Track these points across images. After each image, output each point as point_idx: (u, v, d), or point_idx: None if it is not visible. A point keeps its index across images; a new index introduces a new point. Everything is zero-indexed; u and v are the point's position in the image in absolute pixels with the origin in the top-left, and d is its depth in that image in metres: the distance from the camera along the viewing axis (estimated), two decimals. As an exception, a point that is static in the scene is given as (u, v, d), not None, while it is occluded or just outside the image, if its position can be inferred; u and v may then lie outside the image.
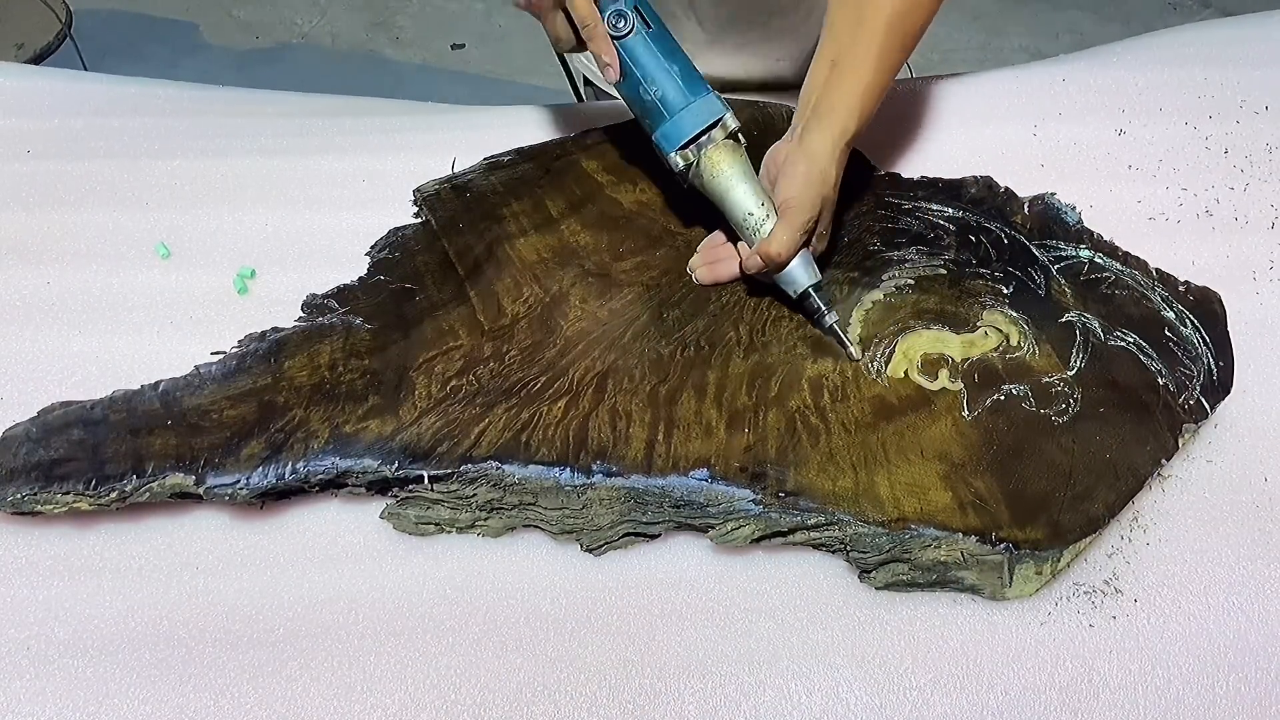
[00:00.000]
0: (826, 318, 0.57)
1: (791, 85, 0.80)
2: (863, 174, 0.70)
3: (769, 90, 0.81)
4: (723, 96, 0.60)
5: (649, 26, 0.59)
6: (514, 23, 2.23)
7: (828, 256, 0.62)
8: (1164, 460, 0.54)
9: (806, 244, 0.57)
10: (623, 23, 0.58)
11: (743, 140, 0.60)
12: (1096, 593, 0.51)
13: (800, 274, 0.57)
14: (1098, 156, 0.74)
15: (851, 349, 0.57)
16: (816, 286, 0.57)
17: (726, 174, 0.58)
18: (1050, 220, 0.66)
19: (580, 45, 0.60)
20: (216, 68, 2.10)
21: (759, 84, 0.83)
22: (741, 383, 0.55)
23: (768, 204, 0.58)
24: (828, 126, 0.58)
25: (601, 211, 0.66)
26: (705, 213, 0.66)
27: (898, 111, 0.69)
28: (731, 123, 0.59)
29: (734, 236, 0.61)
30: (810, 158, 0.57)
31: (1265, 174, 0.73)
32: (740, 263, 0.59)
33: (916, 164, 0.73)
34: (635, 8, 0.59)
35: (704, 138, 0.58)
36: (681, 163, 0.59)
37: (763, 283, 0.60)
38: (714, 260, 0.61)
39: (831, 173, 0.57)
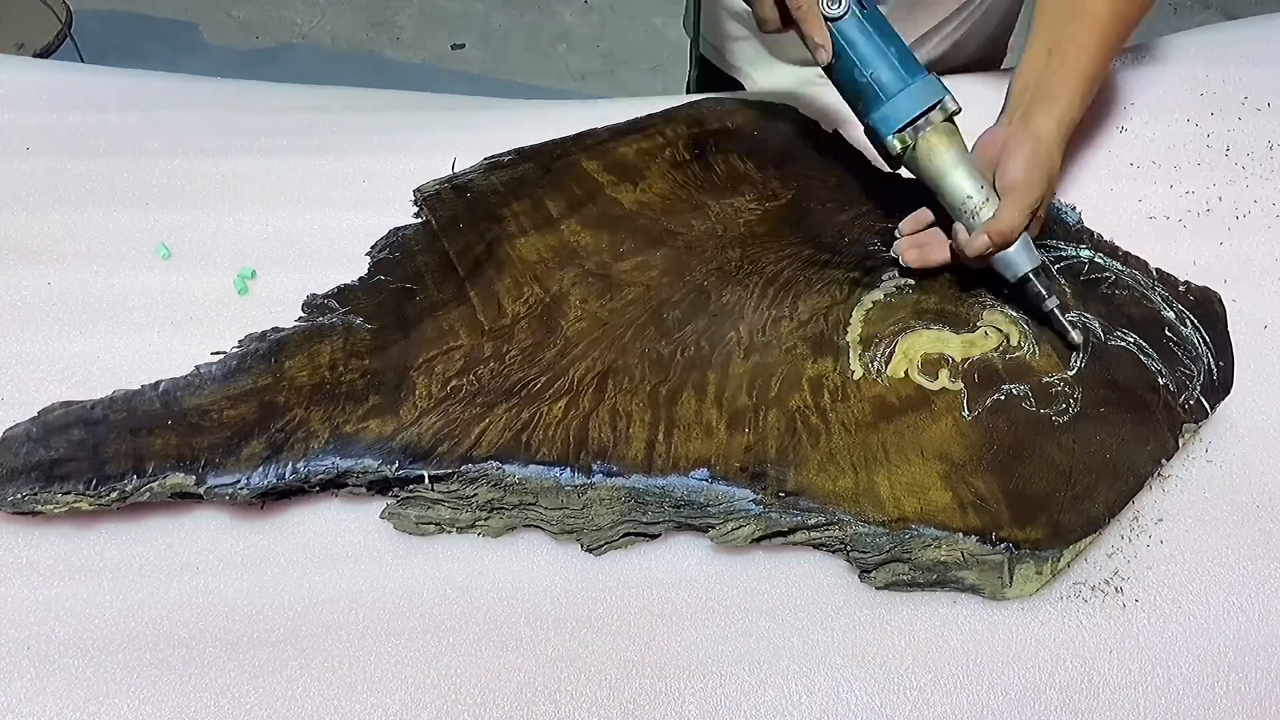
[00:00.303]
0: (1047, 301, 0.56)
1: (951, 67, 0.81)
2: (863, 174, 0.70)
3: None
4: (940, 78, 0.59)
5: (863, 7, 0.59)
6: (514, 23, 2.23)
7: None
8: (1164, 460, 0.54)
9: (1028, 225, 0.57)
10: (836, 5, 0.58)
11: (957, 123, 0.59)
12: (1096, 593, 0.51)
13: (1022, 257, 0.56)
14: (1098, 155, 0.74)
15: (1073, 334, 0.56)
16: (1037, 271, 0.57)
17: (944, 157, 0.57)
18: (1050, 220, 0.66)
19: (785, 26, 0.60)
20: (216, 68, 2.09)
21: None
22: (742, 383, 0.55)
23: (986, 187, 0.57)
24: (1052, 110, 0.58)
25: (602, 211, 0.66)
26: (707, 214, 0.66)
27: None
28: (951, 105, 0.58)
29: (943, 219, 0.60)
30: (1036, 139, 0.57)
31: (1266, 172, 0.73)
32: (957, 244, 0.58)
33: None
34: None
35: (921, 120, 0.58)
36: (899, 145, 0.58)
37: (970, 268, 0.59)
38: (922, 244, 0.61)
39: (1057, 155, 0.58)
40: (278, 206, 0.69)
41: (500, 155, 0.70)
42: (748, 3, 0.61)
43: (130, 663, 0.47)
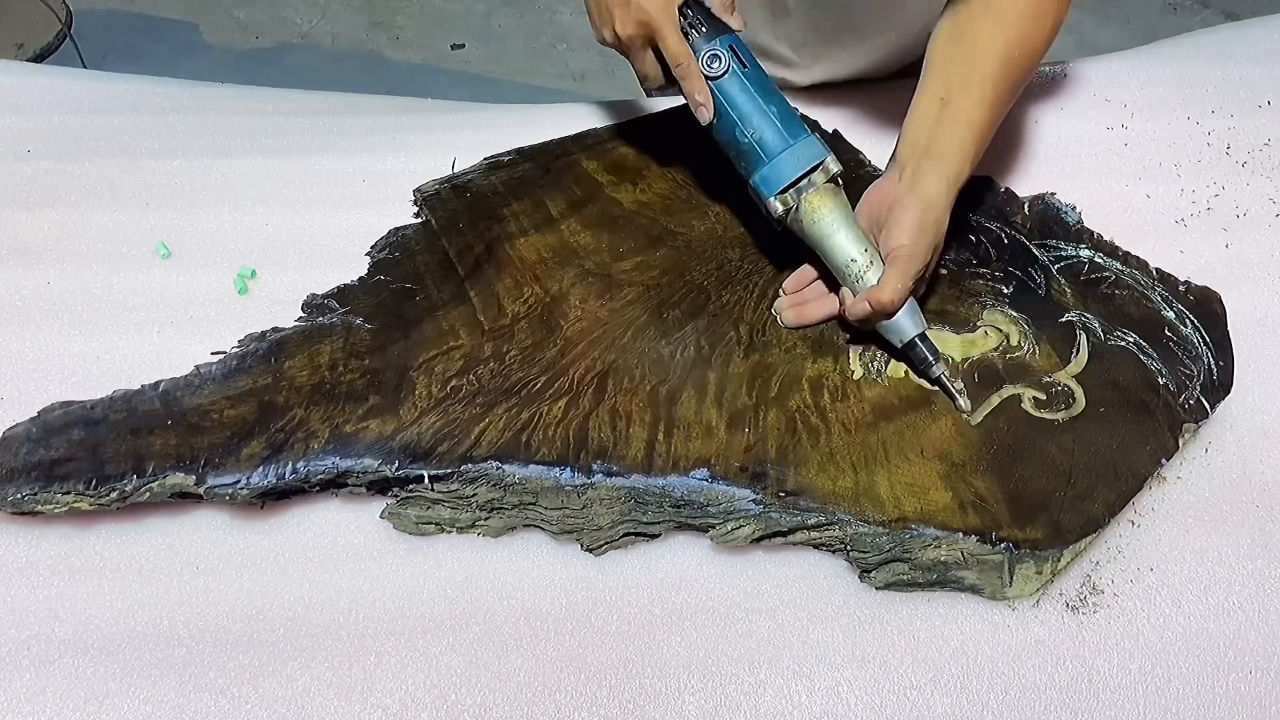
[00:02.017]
0: (934, 368, 0.55)
1: (870, 78, 0.79)
2: (863, 174, 0.70)
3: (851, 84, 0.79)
4: (821, 139, 0.58)
5: (745, 66, 0.58)
6: (514, 23, 2.23)
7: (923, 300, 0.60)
8: (1164, 460, 0.54)
9: (914, 291, 0.55)
10: (718, 63, 0.57)
11: (841, 183, 0.58)
12: (1097, 593, 0.51)
13: (907, 323, 0.54)
14: (1098, 155, 0.74)
15: (960, 400, 0.54)
16: (923, 336, 0.55)
17: (828, 219, 0.56)
18: (1050, 220, 0.66)
19: (669, 84, 0.59)
20: (216, 68, 2.09)
21: (841, 82, 0.81)
22: (742, 383, 0.55)
23: (870, 250, 0.56)
24: (942, 171, 0.55)
25: (601, 211, 0.66)
26: (707, 213, 0.66)
27: (898, 111, 0.69)
28: (833, 166, 0.57)
29: (826, 277, 0.59)
30: (925, 203, 0.55)
31: (1267, 171, 0.73)
32: (841, 308, 0.57)
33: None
34: (730, 47, 0.58)
35: (804, 181, 0.56)
36: (780, 208, 0.57)
37: (858, 328, 0.57)
38: (801, 302, 0.59)
39: (944, 219, 0.55)
40: (278, 206, 0.69)
41: (500, 155, 0.70)
42: (629, 58, 0.60)
43: (130, 663, 0.47)
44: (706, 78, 0.58)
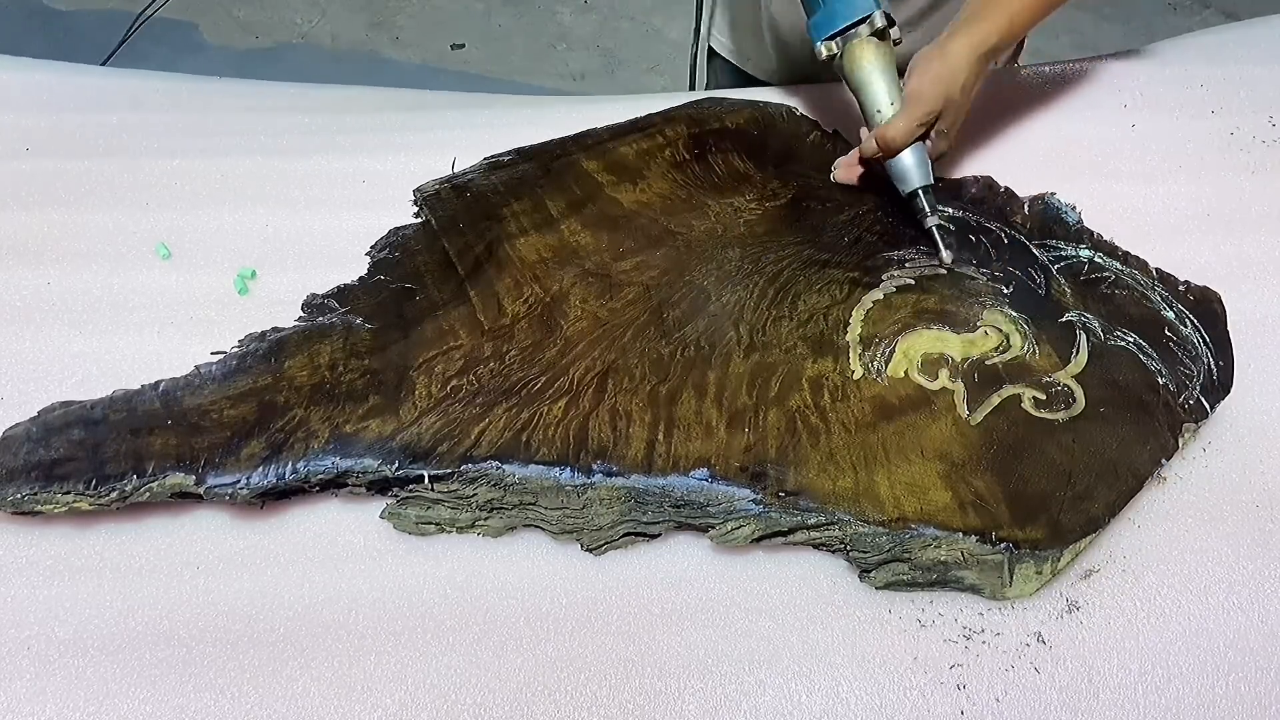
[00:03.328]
0: (928, 218, 0.59)
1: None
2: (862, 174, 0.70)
3: None
4: None
5: None
6: (514, 23, 2.23)
7: (948, 166, 0.64)
8: (1164, 460, 0.54)
9: (923, 138, 0.59)
10: None
11: (892, 38, 0.61)
12: (1096, 592, 0.51)
13: (913, 171, 0.59)
14: (1098, 155, 0.74)
15: (944, 253, 0.59)
16: (926, 188, 0.59)
17: (866, 69, 0.60)
18: (1050, 220, 0.66)
19: None
20: (216, 68, 2.09)
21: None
22: (742, 383, 0.55)
23: (899, 103, 0.60)
24: (969, 33, 0.60)
25: (601, 211, 0.66)
26: (707, 214, 0.66)
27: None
28: (879, 20, 0.60)
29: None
30: (944, 57, 0.59)
31: (1267, 171, 0.73)
32: (859, 151, 0.61)
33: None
34: None
35: (850, 30, 0.60)
36: (825, 52, 0.61)
37: (879, 181, 0.61)
38: (851, 163, 0.64)
39: (961, 75, 0.59)
40: (278, 206, 0.69)
41: (500, 155, 0.70)
42: None
43: (130, 663, 0.47)
44: None
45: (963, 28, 0.61)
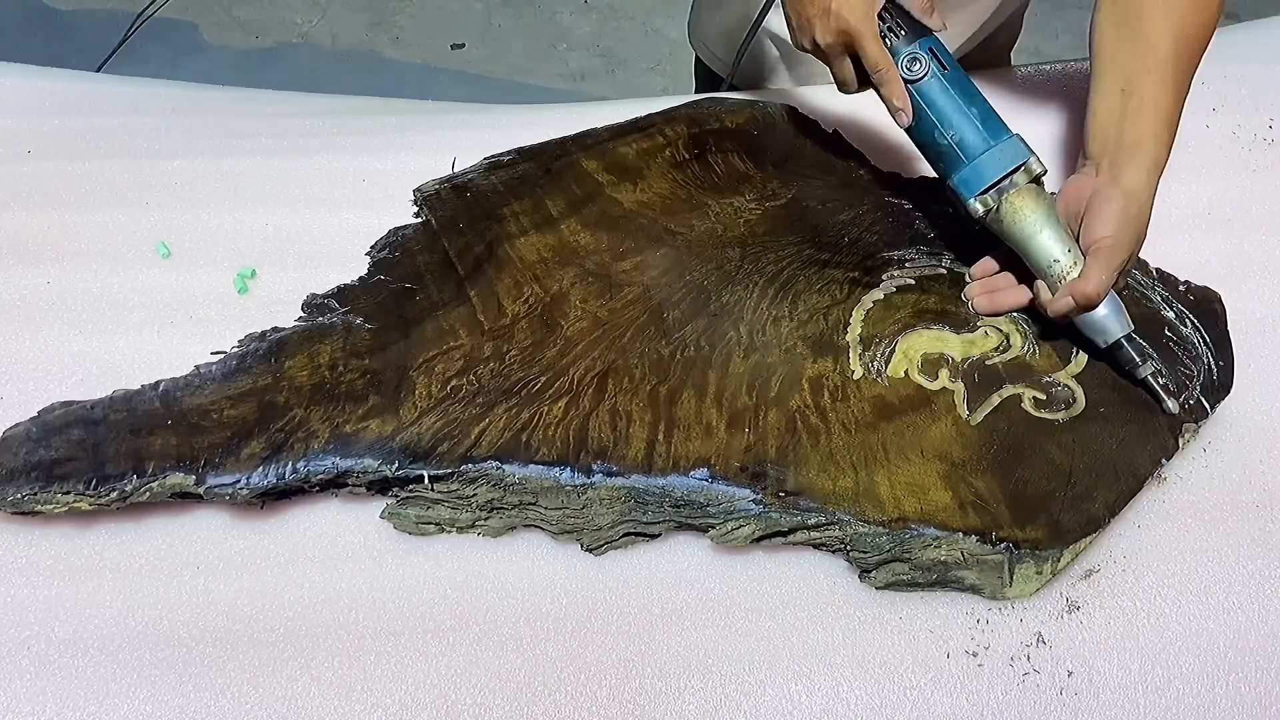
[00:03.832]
0: (1141, 368, 0.54)
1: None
2: (863, 174, 0.70)
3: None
4: (1023, 140, 0.58)
5: (944, 68, 0.58)
6: (514, 23, 2.23)
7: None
8: (1164, 460, 0.54)
9: (1117, 286, 0.55)
10: (918, 66, 0.58)
11: (1044, 184, 0.58)
12: (1096, 592, 0.51)
13: (1113, 322, 0.54)
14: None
15: (1169, 403, 0.54)
16: (1129, 336, 0.54)
17: (1030, 219, 0.56)
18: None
19: (864, 87, 0.60)
20: (216, 68, 2.09)
21: None
22: (742, 383, 0.55)
23: (1074, 249, 0.55)
24: (1141, 161, 0.56)
25: (601, 211, 0.66)
26: (707, 214, 0.66)
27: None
28: (1036, 167, 0.57)
29: (1013, 267, 0.59)
30: (1128, 195, 0.55)
31: (1267, 170, 0.73)
32: (1039, 303, 0.56)
33: (917, 164, 0.72)
34: (930, 50, 0.58)
35: (1005, 182, 0.57)
36: (981, 209, 0.57)
37: (1057, 323, 0.57)
38: (993, 289, 0.59)
39: (1148, 210, 0.56)
40: (278, 206, 0.69)
41: (500, 155, 0.70)
42: (827, 64, 0.60)
43: (130, 663, 0.47)
44: (906, 81, 0.58)
45: (1128, 156, 0.56)
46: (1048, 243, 0.56)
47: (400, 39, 2.20)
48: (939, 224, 0.65)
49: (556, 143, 0.72)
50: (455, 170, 0.70)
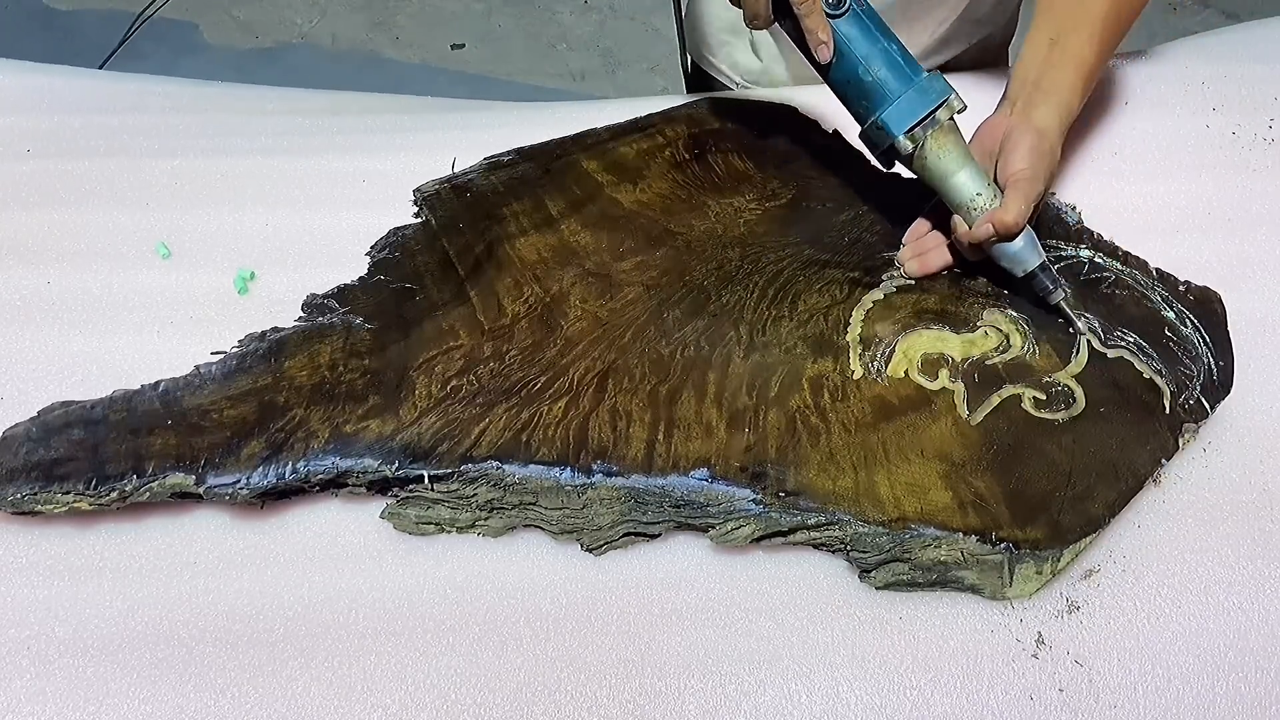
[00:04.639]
0: (1053, 294, 0.57)
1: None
2: (862, 174, 0.70)
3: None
4: (942, 75, 0.59)
5: (861, 3, 0.58)
6: (514, 23, 2.23)
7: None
8: (1164, 460, 0.54)
9: (1031, 219, 0.57)
10: (840, 2, 0.57)
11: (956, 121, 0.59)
12: (1096, 592, 0.51)
13: (1030, 252, 0.57)
14: (1098, 155, 0.74)
15: (1078, 323, 0.57)
16: (1043, 265, 0.57)
17: (951, 155, 0.57)
18: (1050, 220, 0.66)
19: (777, 19, 0.59)
20: (216, 68, 2.10)
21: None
22: (742, 382, 0.55)
23: (992, 185, 0.58)
24: (1055, 104, 0.58)
25: (601, 211, 0.66)
26: (707, 214, 0.66)
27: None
28: (957, 103, 0.58)
29: (941, 226, 0.61)
30: (1039, 132, 0.57)
31: (1267, 170, 0.73)
32: (956, 236, 0.58)
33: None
34: None
35: (929, 119, 0.57)
36: (910, 145, 0.57)
37: (974, 265, 0.60)
38: (922, 250, 0.61)
39: (1058, 148, 0.58)
40: (278, 206, 0.69)
41: (500, 155, 0.70)
42: (735, 2, 0.60)
43: (130, 663, 0.47)
44: (828, 15, 0.58)
45: (1043, 98, 0.59)
46: (968, 178, 0.57)
47: (400, 39, 2.20)
48: (939, 224, 0.65)
49: (556, 143, 0.72)
50: (455, 170, 0.70)
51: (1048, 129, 0.58)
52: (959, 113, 0.58)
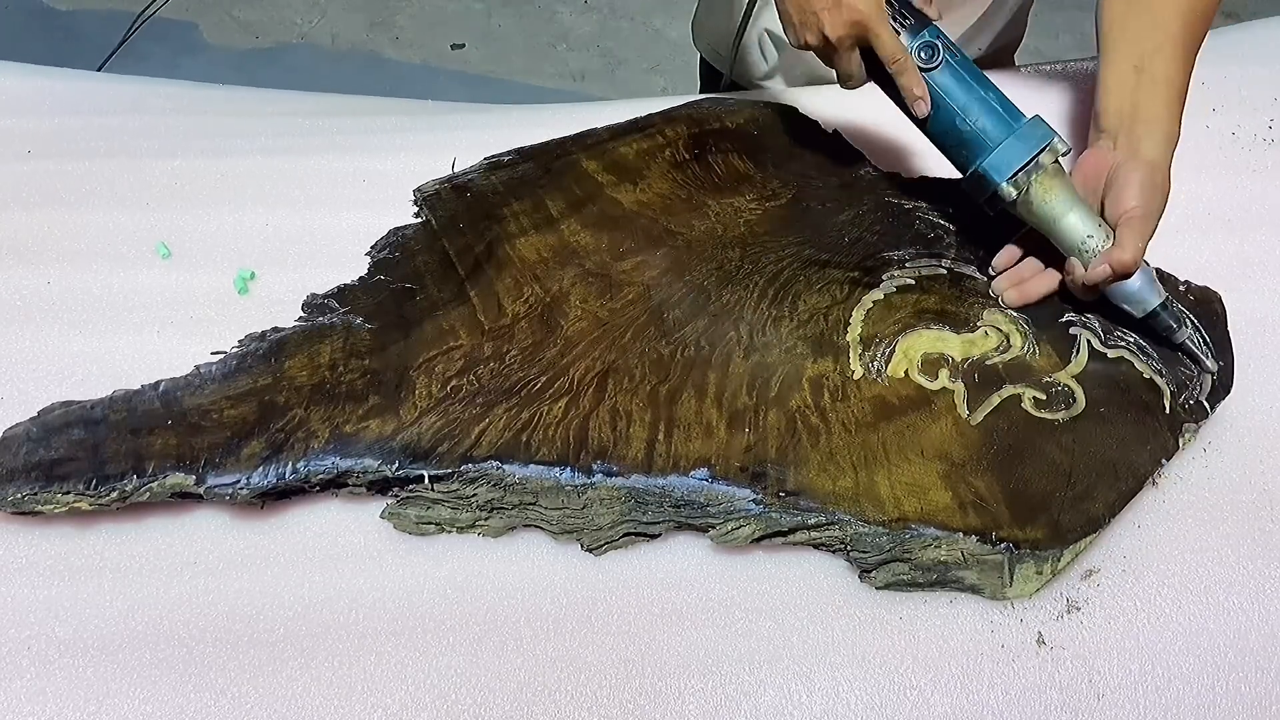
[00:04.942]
0: (1179, 334, 0.56)
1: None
2: (863, 174, 0.70)
3: None
4: (1043, 118, 0.58)
5: (954, 54, 0.58)
6: (514, 23, 2.23)
7: None
8: (1164, 460, 0.54)
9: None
10: (933, 54, 0.57)
11: (1063, 163, 0.58)
12: (1096, 592, 0.51)
13: (1149, 291, 0.55)
14: (1098, 156, 0.74)
15: (1207, 362, 0.56)
16: (1164, 303, 0.56)
17: (1059, 199, 0.56)
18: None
19: (864, 82, 0.60)
20: (216, 68, 2.10)
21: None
22: (742, 382, 0.55)
23: (1103, 224, 0.56)
24: (1159, 135, 0.57)
25: (602, 211, 0.66)
26: (707, 214, 0.66)
27: (898, 112, 0.69)
28: (1061, 146, 0.57)
29: (1036, 252, 0.59)
30: (1150, 166, 0.56)
31: (1267, 171, 0.73)
32: (1072, 278, 0.57)
33: (917, 163, 0.73)
34: (939, 36, 0.58)
35: (1032, 164, 0.56)
36: (1015, 192, 0.57)
37: (1086, 298, 0.58)
38: (1020, 280, 0.60)
39: (1168, 182, 0.57)
40: (278, 206, 0.69)
41: (500, 155, 0.70)
42: (830, 59, 0.60)
43: (130, 663, 0.47)
44: (921, 69, 0.58)
45: (1146, 130, 0.58)
46: (1077, 221, 0.56)
47: (400, 39, 2.20)
48: (939, 224, 0.65)
49: (556, 143, 0.72)
50: (455, 170, 0.70)
51: (1157, 161, 0.57)
52: (1064, 155, 0.57)
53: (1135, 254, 0.54)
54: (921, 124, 0.60)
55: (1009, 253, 0.61)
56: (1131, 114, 0.58)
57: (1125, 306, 0.57)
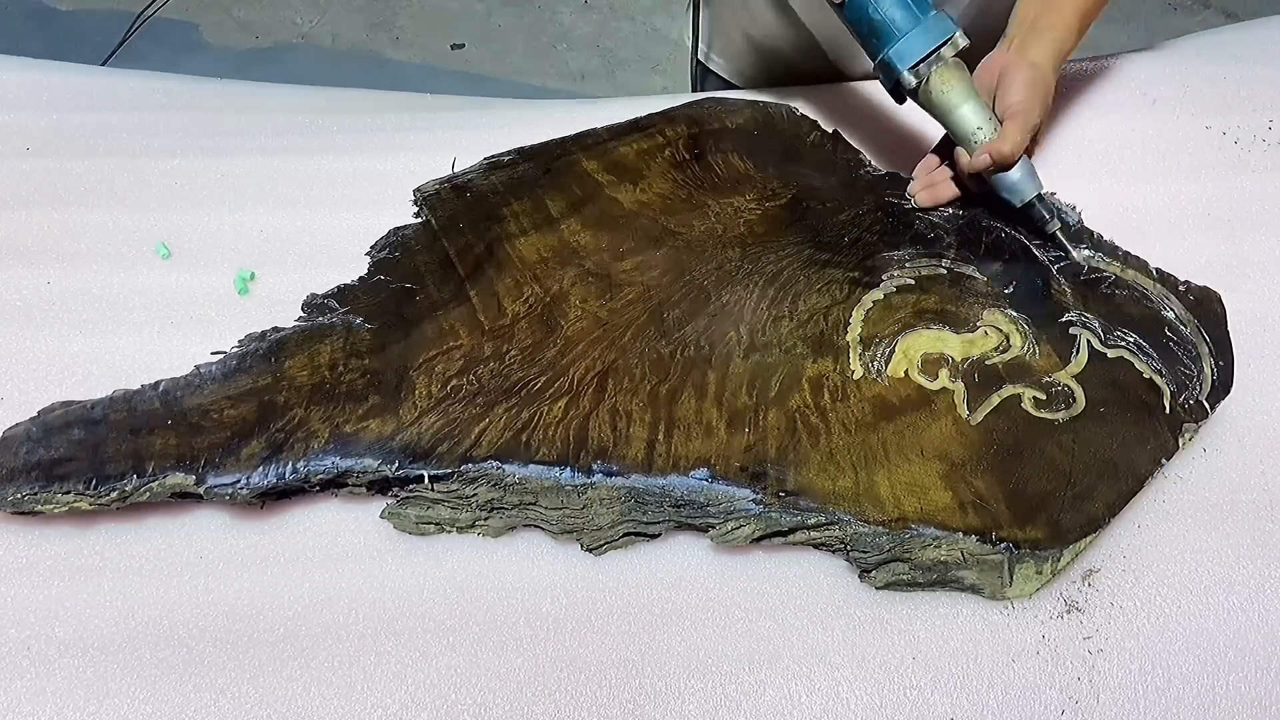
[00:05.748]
0: (1050, 223, 0.60)
1: None
2: (862, 174, 0.70)
3: None
4: (949, 14, 0.61)
5: None
6: (514, 23, 2.23)
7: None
8: (1164, 460, 0.54)
9: (1028, 150, 0.60)
10: None
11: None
12: (1097, 593, 0.51)
13: (1027, 182, 0.60)
14: (1098, 155, 0.74)
15: (1074, 253, 0.60)
16: (1040, 196, 0.61)
17: (955, 91, 0.60)
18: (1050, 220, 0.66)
19: None
20: (216, 68, 2.09)
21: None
22: (742, 382, 0.55)
23: (993, 118, 0.60)
24: (1049, 40, 0.62)
25: (601, 211, 0.66)
26: (707, 214, 0.66)
27: (897, 111, 0.69)
28: (961, 40, 0.61)
29: (945, 156, 0.65)
30: (1034, 66, 0.61)
31: (1267, 171, 0.73)
32: (959, 166, 0.62)
33: (917, 163, 0.72)
34: None
35: (933, 56, 0.60)
36: (914, 80, 0.61)
37: (977, 196, 0.64)
38: (931, 184, 0.65)
39: (1052, 81, 0.61)
40: (278, 206, 0.69)
41: (500, 155, 0.70)
42: None
43: (130, 663, 0.47)
44: None
45: (1037, 36, 0.62)
46: (971, 112, 0.61)
47: (400, 39, 2.20)
48: (939, 224, 0.65)
49: (556, 143, 0.72)
50: (455, 170, 0.70)
51: (1042, 63, 0.61)
52: (962, 50, 0.61)
53: (1014, 146, 0.58)
54: (838, 9, 0.64)
55: (928, 161, 0.66)
56: (1032, 22, 0.63)
57: (1005, 195, 0.61)
